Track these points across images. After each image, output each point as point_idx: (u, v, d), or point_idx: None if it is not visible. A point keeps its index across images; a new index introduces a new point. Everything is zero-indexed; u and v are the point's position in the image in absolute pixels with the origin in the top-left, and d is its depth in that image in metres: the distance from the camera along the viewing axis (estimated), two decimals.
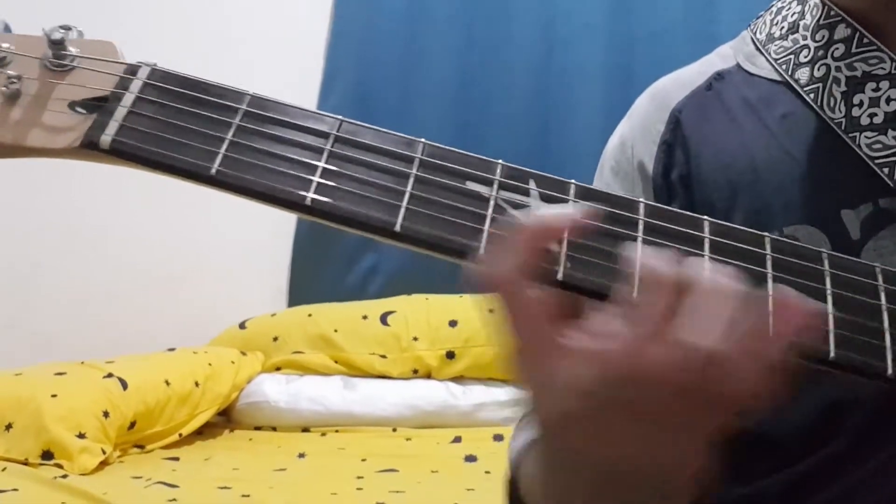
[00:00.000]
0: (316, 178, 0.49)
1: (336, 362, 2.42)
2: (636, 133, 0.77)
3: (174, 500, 1.66)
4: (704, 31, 2.61)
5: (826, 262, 0.51)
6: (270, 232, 2.71)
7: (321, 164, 0.49)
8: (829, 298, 0.50)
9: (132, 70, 0.52)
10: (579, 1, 2.73)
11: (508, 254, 0.45)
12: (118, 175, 2.11)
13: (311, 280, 2.74)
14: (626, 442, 0.46)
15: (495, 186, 0.49)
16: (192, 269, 2.61)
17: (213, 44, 2.44)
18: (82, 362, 2.12)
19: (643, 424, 0.45)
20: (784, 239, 0.51)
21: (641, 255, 0.46)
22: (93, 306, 2.46)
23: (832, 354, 0.48)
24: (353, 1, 2.79)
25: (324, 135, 0.50)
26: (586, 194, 0.50)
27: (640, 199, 0.51)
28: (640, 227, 0.50)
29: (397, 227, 0.48)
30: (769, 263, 0.50)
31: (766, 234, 0.51)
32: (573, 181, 0.50)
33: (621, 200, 0.51)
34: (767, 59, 0.73)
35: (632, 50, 2.70)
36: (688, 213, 0.51)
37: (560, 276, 0.47)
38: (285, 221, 2.72)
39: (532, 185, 0.50)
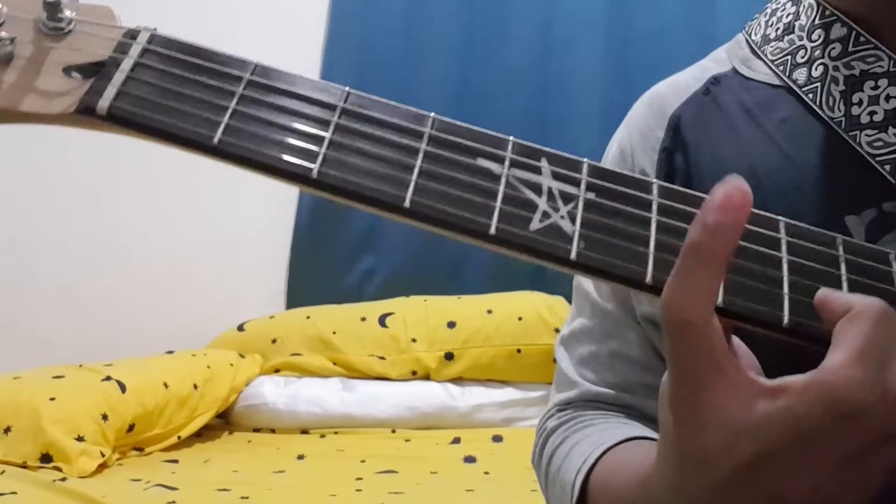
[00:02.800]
0: (322, 151, 0.47)
1: (335, 364, 2.42)
2: (635, 141, 0.77)
3: (173, 502, 1.65)
4: (703, 29, 2.61)
5: (840, 248, 0.50)
6: (268, 234, 2.71)
7: (328, 136, 0.48)
8: (845, 284, 0.49)
9: (131, 34, 0.50)
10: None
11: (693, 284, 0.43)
12: (118, 177, 2.10)
13: (310, 282, 2.73)
14: (821, 481, 0.44)
15: (507, 163, 0.48)
16: (190, 271, 2.61)
17: (209, 40, 2.43)
18: (80, 365, 2.11)
19: (844, 463, 0.43)
20: (798, 223, 0.51)
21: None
22: (91, 309, 2.46)
23: None
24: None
25: (330, 106, 0.49)
26: (600, 173, 0.49)
27: (654, 180, 0.50)
28: (654, 207, 0.49)
29: (407, 203, 0.46)
30: (784, 247, 0.49)
31: (780, 217, 0.50)
32: (586, 160, 0.49)
33: (635, 180, 0.50)
34: (764, 62, 0.73)
35: (630, 49, 2.70)
36: (703, 195, 0.50)
37: (573, 255, 0.46)
38: (283, 223, 2.72)
39: (544, 162, 0.49)
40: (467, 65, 2.75)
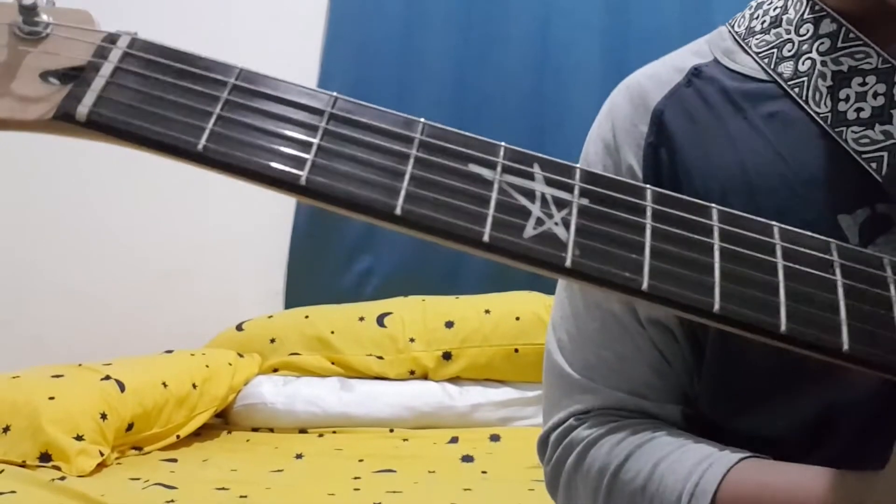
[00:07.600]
0: (310, 157, 0.46)
1: (333, 364, 2.42)
2: (619, 135, 0.75)
3: (172, 501, 1.65)
4: (700, 30, 2.54)
5: (835, 252, 0.50)
6: (266, 234, 2.70)
7: (316, 141, 0.46)
8: (840, 289, 0.49)
9: (111, 39, 0.48)
10: (576, 0, 2.72)
11: None
12: (116, 176, 2.10)
13: (308, 282, 2.73)
14: None
15: (499, 169, 0.47)
16: (189, 271, 2.60)
17: (207, 42, 2.42)
18: (79, 364, 2.11)
19: None
20: (792, 228, 0.50)
21: None
22: (90, 309, 2.46)
23: (845, 347, 0.46)
24: (349, 1, 2.78)
25: (318, 112, 0.47)
26: (593, 179, 0.49)
27: (647, 186, 0.50)
28: (648, 213, 0.48)
29: (397, 210, 0.45)
30: (779, 252, 0.49)
31: (774, 223, 0.50)
32: (578, 166, 0.49)
33: (628, 186, 0.49)
34: (748, 53, 0.72)
35: (628, 49, 2.68)
36: (695, 200, 0.50)
37: (568, 263, 0.46)
38: (281, 223, 2.71)
39: (536, 168, 0.48)
40: (465, 66, 2.74)
